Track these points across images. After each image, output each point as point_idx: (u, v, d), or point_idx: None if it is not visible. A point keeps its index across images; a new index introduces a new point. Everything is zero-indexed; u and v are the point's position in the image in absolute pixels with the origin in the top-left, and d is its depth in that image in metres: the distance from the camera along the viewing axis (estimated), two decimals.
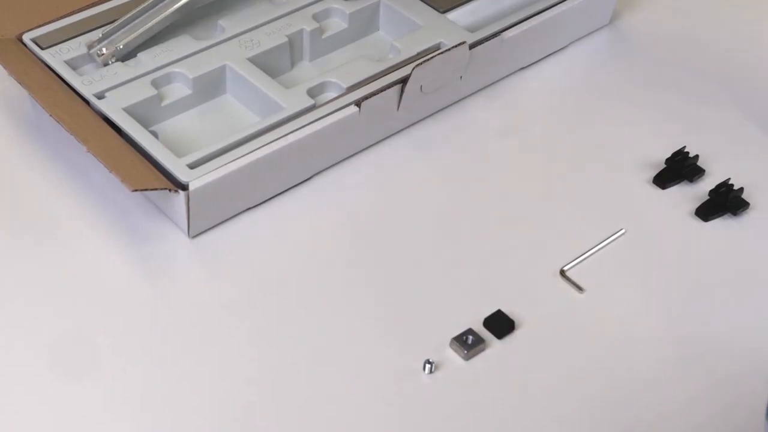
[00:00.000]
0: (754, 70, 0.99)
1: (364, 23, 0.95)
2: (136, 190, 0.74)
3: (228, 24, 0.90)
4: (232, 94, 0.88)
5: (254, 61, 0.87)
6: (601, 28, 1.03)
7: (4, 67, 0.83)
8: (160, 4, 0.78)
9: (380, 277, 0.78)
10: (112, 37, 0.75)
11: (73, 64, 0.86)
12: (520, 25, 0.93)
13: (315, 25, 0.91)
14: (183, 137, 0.84)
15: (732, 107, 0.91)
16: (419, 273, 0.79)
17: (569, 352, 0.74)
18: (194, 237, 0.80)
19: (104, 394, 0.70)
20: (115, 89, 0.83)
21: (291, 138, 0.81)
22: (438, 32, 0.91)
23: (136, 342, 0.73)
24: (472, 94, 0.94)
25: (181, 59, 0.87)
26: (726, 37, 1.03)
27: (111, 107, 0.82)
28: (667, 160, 0.87)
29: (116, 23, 0.76)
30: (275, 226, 0.81)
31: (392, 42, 0.90)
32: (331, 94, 0.85)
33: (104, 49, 0.73)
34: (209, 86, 0.87)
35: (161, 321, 0.74)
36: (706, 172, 0.87)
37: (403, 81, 0.85)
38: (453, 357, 0.73)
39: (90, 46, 0.73)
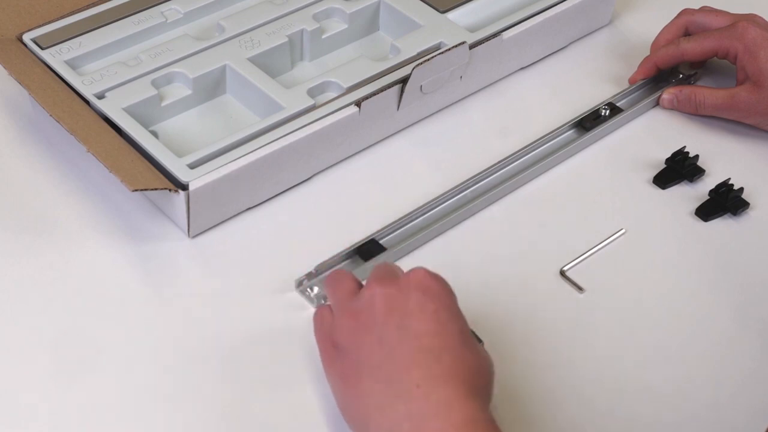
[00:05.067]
0: None
1: (364, 23, 0.95)
2: (136, 190, 0.74)
3: (228, 24, 0.90)
4: (232, 94, 0.88)
5: (254, 61, 0.87)
6: (601, 28, 1.03)
7: (4, 67, 0.83)
8: None
9: None
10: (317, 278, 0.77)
11: (73, 64, 0.86)
12: (520, 25, 0.93)
13: (315, 25, 0.91)
14: (183, 137, 0.84)
15: None
16: None
17: (569, 352, 0.74)
18: (194, 237, 0.80)
19: (104, 394, 0.70)
20: (115, 89, 0.83)
21: (291, 138, 0.81)
22: (438, 32, 0.91)
23: (136, 342, 0.73)
24: (472, 94, 0.94)
25: (181, 59, 0.87)
26: None
27: (111, 107, 0.82)
28: (667, 160, 0.87)
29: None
30: (275, 226, 0.81)
31: (392, 42, 0.90)
32: (331, 94, 0.85)
33: (315, 288, 0.75)
34: (209, 86, 0.87)
35: (161, 321, 0.74)
36: (706, 172, 0.87)
37: (403, 81, 0.85)
38: None
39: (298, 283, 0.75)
